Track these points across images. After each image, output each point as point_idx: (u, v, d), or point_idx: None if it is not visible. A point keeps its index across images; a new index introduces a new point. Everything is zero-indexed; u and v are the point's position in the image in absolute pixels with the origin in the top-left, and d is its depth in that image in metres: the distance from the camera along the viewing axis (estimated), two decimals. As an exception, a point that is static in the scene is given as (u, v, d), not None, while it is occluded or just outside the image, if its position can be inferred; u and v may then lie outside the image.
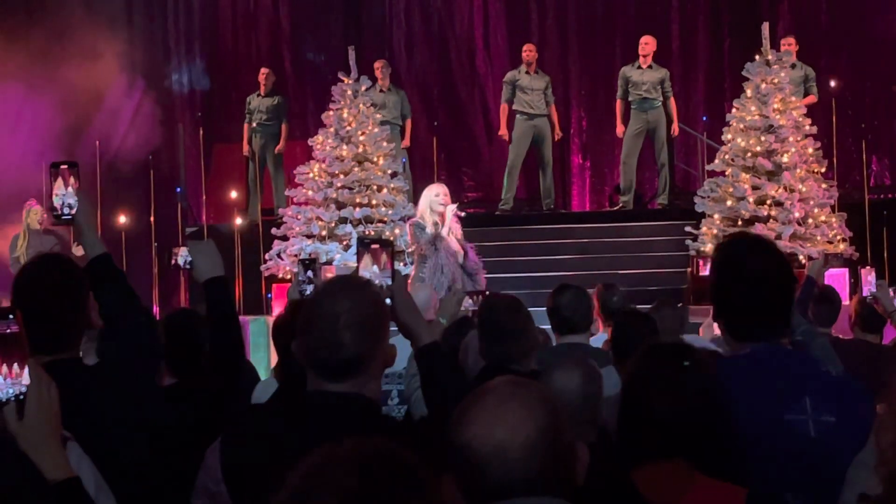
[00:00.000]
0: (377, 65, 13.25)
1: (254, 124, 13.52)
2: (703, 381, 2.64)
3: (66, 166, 3.20)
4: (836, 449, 2.64)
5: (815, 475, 2.47)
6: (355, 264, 3.07)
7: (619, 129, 13.01)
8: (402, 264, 10.24)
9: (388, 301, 2.76)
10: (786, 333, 2.93)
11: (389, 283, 2.89)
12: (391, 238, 10.82)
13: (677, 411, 2.56)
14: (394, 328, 2.81)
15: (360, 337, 2.46)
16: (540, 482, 1.90)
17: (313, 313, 2.50)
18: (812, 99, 12.28)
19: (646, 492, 2.48)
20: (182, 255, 6.54)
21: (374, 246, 2.99)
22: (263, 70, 13.78)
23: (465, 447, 1.90)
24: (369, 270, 2.95)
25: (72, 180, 3.18)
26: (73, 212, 3.18)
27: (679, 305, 5.65)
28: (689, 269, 11.17)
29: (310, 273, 4.89)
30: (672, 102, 12.83)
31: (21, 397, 2.27)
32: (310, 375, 2.52)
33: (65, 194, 3.17)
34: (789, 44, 12.23)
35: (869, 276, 5.94)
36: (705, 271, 5.64)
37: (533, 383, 2.03)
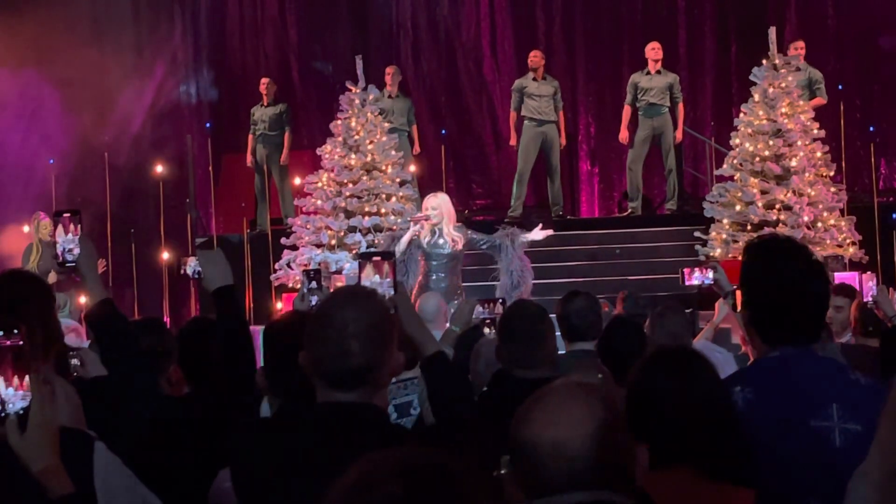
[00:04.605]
0: (389, 70, 13.31)
1: (257, 134, 13.55)
2: (709, 385, 2.64)
3: (67, 214, 3.29)
4: (861, 458, 2.61)
5: (838, 482, 2.45)
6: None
7: (623, 134, 12.98)
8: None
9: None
10: (818, 338, 2.85)
11: (392, 293, 2.90)
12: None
13: (684, 417, 2.56)
14: None
15: (368, 345, 2.47)
16: (596, 477, 2.00)
17: (320, 324, 2.51)
18: (820, 101, 12.23)
19: (653, 497, 2.48)
20: (191, 265, 6.57)
21: (375, 258, 3.00)
22: (263, 80, 13.80)
23: (526, 444, 2.02)
24: (371, 280, 2.97)
25: (72, 227, 3.27)
26: (75, 259, 3.26)
27: (688, 311, 5.63)
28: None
29: (314, 283, 4.91)
30: (680, 108, 12.81)
31: (21, 412, 2.27)
32: (319, 387, 2.52)
33: (65, 240, 3.25)
34: (798, 47, 12.18)
35: (869, 282, 5.95)
36: (691, 281, 5.61)
37: (594, 385, 2.13)
